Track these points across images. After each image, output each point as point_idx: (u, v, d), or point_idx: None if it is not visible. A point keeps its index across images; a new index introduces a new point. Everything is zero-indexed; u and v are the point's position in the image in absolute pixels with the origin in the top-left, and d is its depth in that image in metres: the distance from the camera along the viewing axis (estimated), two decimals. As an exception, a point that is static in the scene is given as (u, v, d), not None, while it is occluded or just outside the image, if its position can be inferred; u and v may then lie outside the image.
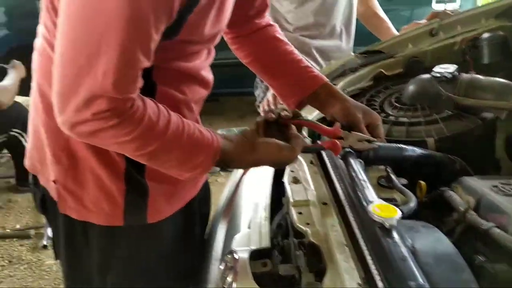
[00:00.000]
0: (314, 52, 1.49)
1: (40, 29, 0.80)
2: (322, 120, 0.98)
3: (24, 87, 2.65)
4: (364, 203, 0.68)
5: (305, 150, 0.80)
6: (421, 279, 0.52)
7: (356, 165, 0.80)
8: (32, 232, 2.31)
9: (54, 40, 0.74)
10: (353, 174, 0.78)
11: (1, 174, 2.90)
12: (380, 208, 0.64)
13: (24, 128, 2.50)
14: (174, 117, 0.69)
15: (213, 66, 0.88)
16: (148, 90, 0.70)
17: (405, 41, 1.34)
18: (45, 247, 2.20)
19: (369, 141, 0.82)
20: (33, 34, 2.68)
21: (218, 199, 1.11)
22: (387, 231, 0.61)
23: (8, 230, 2.35)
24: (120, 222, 0.78)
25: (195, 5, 0.66)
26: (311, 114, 1.06)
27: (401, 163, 0.86)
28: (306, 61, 0.97)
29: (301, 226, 0.71)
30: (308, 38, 1.48)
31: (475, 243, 0.70)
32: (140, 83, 0.64)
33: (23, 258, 2.14)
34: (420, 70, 1.20)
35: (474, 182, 0.79)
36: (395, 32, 1.66)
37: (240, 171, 1.13)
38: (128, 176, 0.77)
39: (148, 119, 0.64)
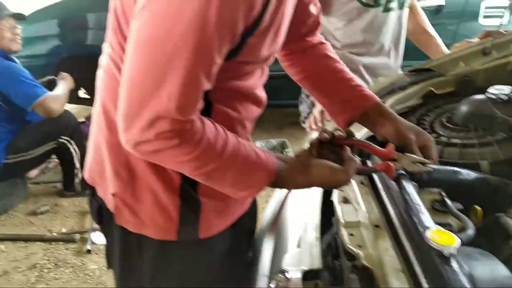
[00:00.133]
0: (362, 69, 1.48)
1: (106, 48, 0.84)
2: (371, 139, 0.98)
3: (71, 96, 2.78)
4: (420, 228, 0.68)
5: (358, 172, 0.80)
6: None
7: (410, 188, 0.79)
8: (77, 236, 2.38)
9: (118, 59, 0.77)
10: (407, 197, 0.77)
11: (48, 179, 3.00)
12: (438, 235, 0.63)
13: (72, 135, 2.61)
14: (231, 137, 0.70)
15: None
16: (205, 109, 0.72)
17: (457, 59, 1.31)
18: (88, 251, 2.26)
19: (422, 164, 0.81)
20: (81, 46, 2.83)
21: (260, 212, 1.12)
22: (446, 259, 0.60)
23: (55, 234, 2.43)
24: (174, 236, 0.80)
25: (256, 28, 0.68)
26: (359, 131, 1.06)
27: (456, 186, 0.85)
28: (358, 80, 0.97)
29: (353, 248, 0.70)
30: (356, 55, 1.48)
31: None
32: (200, 104, 0.66)
33: (68, 261, 2.21)
34: (471, 90, 1.17)
35: (531, 208, 0.77)
36: (445, 49, 1.63)
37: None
38: (183, 192, 0.79)
39: (207, 140, 0.66)
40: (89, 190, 0.93)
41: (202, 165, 0.68)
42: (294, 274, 0.68)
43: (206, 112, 0.74)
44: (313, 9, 0.97)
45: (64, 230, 2.47)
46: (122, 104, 0.65)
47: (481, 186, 0.87)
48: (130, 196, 0.81)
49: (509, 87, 1.04)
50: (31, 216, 2.60)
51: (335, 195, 0.86)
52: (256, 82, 0.85)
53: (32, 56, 3.11)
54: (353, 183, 0.87)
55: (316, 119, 1.30)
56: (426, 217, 0.69)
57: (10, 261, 2.21)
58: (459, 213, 0.75)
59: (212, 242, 0.85)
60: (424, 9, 1.78)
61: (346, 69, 0.99)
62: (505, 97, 1.01)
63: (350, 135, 0.81)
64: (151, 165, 0.77)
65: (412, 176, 0.82)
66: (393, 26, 1.51)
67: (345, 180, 0.75)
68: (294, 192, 1.09)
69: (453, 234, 0.62)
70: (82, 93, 3.67)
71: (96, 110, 0.88)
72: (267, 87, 0.88)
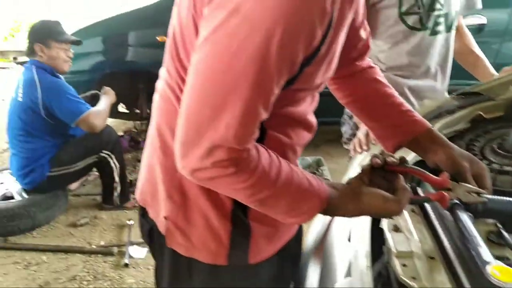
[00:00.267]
0: (407, 91, 1.46)
1: (162, 73, 0.86)
2: (420, 164, 0.96)
3: (111, 111, 2.85)
4: (479, 263, 0.66)
5: (411, 201, 0.78)
6: None
7: (466, 219, 0.77)
8: (115, 249, 2.42)
9: (175, 85, 0.79)
10: (463, 228, 0.75)
11: (88, 192, 3.08)
12: (499, 271, 0.61)
13: (112, 150, 2.68)
14: (285, 165, 0.71)
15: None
16: (259, 135, 0.73)
17: (507, 83, 1.28)
18: (126, 265, 2.30)
19: (477, 194, 0.79)
20: (122, 62, 2.90)
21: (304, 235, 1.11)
22: (509, 298, 0.58)
23: (94, 246, 2.48)
24: (224, 261, 0.81)
25: (314, 58, 0.68)
26: (407, 156, 1.04)
27: (512, 218, 0.82)
28: (408, 105, 0.96)
29: (406, 280, 0.69)
30: (401, 77, 1.46)
31: None
32: (257, 134, 0.67)
33: (106, 274, 2.26)
34: (523, 115, 1.14)
35: None
36: (492, 71, 1.59)
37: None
38: (234, 217, 0.80)
39: (262, 168, 0.67)
40: (140, 210, 0.95)
41: (257, 193, 0.68)
42: (348, 304, 0.68)
43: (260, 138, 0.74)
44: (363, 33, 0.97)
45: (102, 243, 2.52)
46: (180, 132, 0.67)
47: (539, 217, 0.84)
48: (182, 219, 0.82)
49: None
50: (71, 227, 2.67)
51: (385, 223, 0.84)
52: (307, 108, 0.86)
53: (76, 72, 3.22)
54: (404, 211, 0.86)
55: (361, 142, 1.29)
56: (484, 251, 0.67)
57: (51, 272, 2.27)
58: (517, 246, 0.72)
59: (260, 267, 0.85)
60: (465, 27, 1.75)
61: (396, 94, 0.98)
62: (561, 124, 0.98)
63: (403, 161, 0.80)
64: (204, 189, 0.78)
65: (467, 207, 0.80)
66: (440, 49, 1.49)
67: (397, 211, 0.74)
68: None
69: (515, 270, 0.60)
70: (121, 108, 3.77)
71: (151, 132, 0.90)
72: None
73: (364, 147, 1.26)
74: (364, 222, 0.92)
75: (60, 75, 2.62)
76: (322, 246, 1.04)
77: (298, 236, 1.00)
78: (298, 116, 0.83)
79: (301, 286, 0.97)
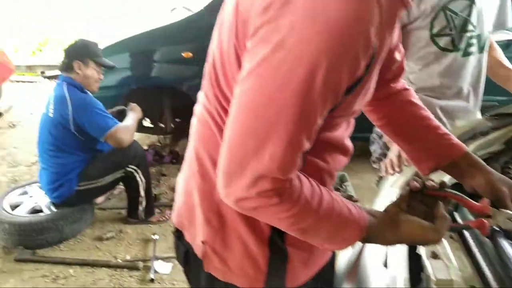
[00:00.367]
0: (439, 111, 1.45)
1: (201, 97, 0.87)
2: (456, 187, 0.95)
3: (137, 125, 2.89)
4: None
5: (450, 229, 0.78)
6: None
7: (507, 246, 0.76)
8: (141, 264, 2.44)
9: (214, 111, 0.81)
10: (504, 256, 0.74)
11: (113, 205, 3.12)
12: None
13: (138, 165, 2.72)
14: (325, 193, 0.71)
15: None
16: None
17: (542, 104, 1.26)
18: (152, 280, 2.31)
19: None
20: (148, 78, 2.94)
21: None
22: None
23: (120, 260, 2.50)
24: (261, 286, 0.81)
25: (356, 87, 0.69)
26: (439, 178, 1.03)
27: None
28: (444, 128, 0.96)
29: (448, 309, 0.68)
30: (433, 98, 1.45)
31: None
32: (300, 163, 0.67)
33: (132, 289, 2.28)
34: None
35: None
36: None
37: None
38: (272, 242, 0.80)
39: (304, 198, 0.68)
40: (176, 233, 0.96)
41: (299, 222, 0.69)
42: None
43: None
44: (398, 55, 0.97)
45: (128, 257, 2.54)
46: (223, 161, 0.68)
47: None
48: (219, 244, 0.83)
49: None
50: (97, 241, 2.70)
51: (423, 249, 0.84)
52: (344, 133, 0.86)
53: (104, 88, 3.28)
54: (442, 236, 0.85)
55: (393, 163, 1.28)
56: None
57: (79, 286, 2.30)
58: None
59: (295, 292, 0.85)
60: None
61: (432, 116, 0.98)
62: None
63: (443, 186, 0.79)
64: (242, 214, 0.78)
65: (508, 234, 0.79)
66: (472, 70, 1.47)
67: (437, 240, 0.74)
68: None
69: None
70: (145, 122, 3.82)
71: (188, 155, 0.91)
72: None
73: (397, 169, 1.26)
74: (400, 247, 0.92)
75: (89, 92, 2.68)
76: (355, 270, 1.03)
77: (332, 260, 0.99)
78: (335, 141, 0.83)
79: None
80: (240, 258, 0.81)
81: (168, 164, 3.70)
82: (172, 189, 3.33)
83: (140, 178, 2.73)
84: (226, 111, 0.78)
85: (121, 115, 2.84)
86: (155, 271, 2.37)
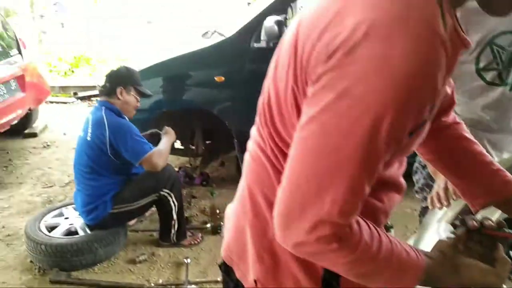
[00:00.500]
0: (487, 144, 1.42)
1: (254, 134, 0.88)
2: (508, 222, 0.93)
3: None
4: None
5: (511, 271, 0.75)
6: None
7: None
8: (173, 288, 2.45)
9: (269, 151, 0.81)
10: None
11: (145, 227, 3.14)
12: None
13: (172, 188, 2.74)
14: (384, 237, 0.71)
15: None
16: None
17: None
18: (185, 305, 2.31)
19: None
20: (179, 101, 2.98)
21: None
22: None
23: (152, 284, 2.51)
24: None
25: (417, 130, 0.68)
26: (493, 215, 1.01)
27: None
28: (497, 164, 0.94)
29: None
30: (479, 130, 1.43)
31: None
32: (360, 208, 0.67)
33: (165, 314, 2.28)
34: None
35: None
36: None
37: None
38: (325, 282, 0.79)
39: (364, 243, 0.67)
40: (223, 267, 0.96)
41: (358, 267, 0.68)
42: None
43: None
44: (448, 89, 0.97)
45: (161, 281, 2.54)
46: (282, 204, 0.68)
47: None
48: (272, 282, 0.82)
49: None
50: (130, 264, 2.72)
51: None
52: (398, 171, 0.85)
53: (136, 110, 3.35)
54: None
55: (440, 197, 1.26)
56: None
57: (113, 310, 2.31)
58: None
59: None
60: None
61: (484, 151, 0.96)
62: None
63: (502, 226, 0.77)
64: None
65: None
66: None
67: (498, 284, 0.72)
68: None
69: None
70: (177, 144, 3.87)
71: (240, 191, 0.92)
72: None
73: (444, 203, 1.23)
74: None
75: (125, 116, 2.74)
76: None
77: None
78: (390, 180, 0.83)
79: None
80: None
81: (198, 186, 3.72)
82: (203, 212, 3.34)
83: (173, 201, 2.75)
84: (281, 151, 0.79)
85: (153, 138, 2.89)
86: (188, 296, 2.37)
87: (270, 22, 2.95)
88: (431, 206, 1.27)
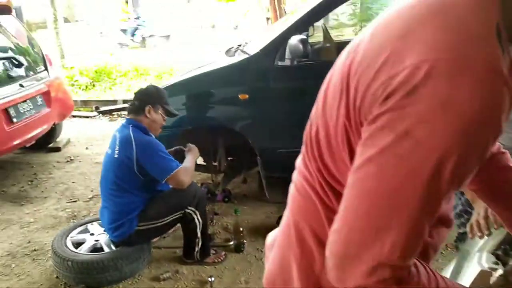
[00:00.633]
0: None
1: (300, 166, 0.87)
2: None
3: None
4: None
5: None
6: None
7: None
8: (199, 307, 2.44)
9: (317, 186, 0.80)
10: None
11: (168, 244, 3.15)
12: None
13: (197, 206, 2.75)
14: (439, 278, 0.70)
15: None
16: None
17: None
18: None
19: None
20: (202, 119, 3.01)
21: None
22: None
23: (177, 303, 2.52)
24: None
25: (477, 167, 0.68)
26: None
27: None
28: None
29: None
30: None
31: None
32: (420, 249, 0.66)
33: (190, 333, 2.27)
34: None
35: None
36: None
37: None
38: None
39: (422, 285, 0.66)
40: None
41: None
42: None
43: None
44: None
45: (185, 300, 2.55)
46: (337, 245, 0.67)
47: None
48: None
49: None
50: (154, 281, 2.73)
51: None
52: (448, 206, 0.85)
53: (160, 128, 3.39)
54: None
55: (481, 226, 1.24)
56: None
57: (139, 328, 2.32)
58: None
59: None
60: None
61: None
62: None
63: None
64: None
65: None
66: None
67: None
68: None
69: None
70: (199, 161, 3.89)
71: (285, 223, 0.91)
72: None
73: (485, 232, 1.21)
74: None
75: (152, 134, 2.77)
76: None
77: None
78: (441, 216, 0.82)
79: None
80: None
81: (220, 203, 3.72)
82: (225, 229, 3.34)
83: (198, 219, 2.76)
84: (330, 186, 0.78)
85: (177, 155, 2.91)
86: (214, 316, 2.36)
87: (294, 40, 2.96)
88: (470, 235, 1.25)
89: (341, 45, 4.86)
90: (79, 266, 2.61)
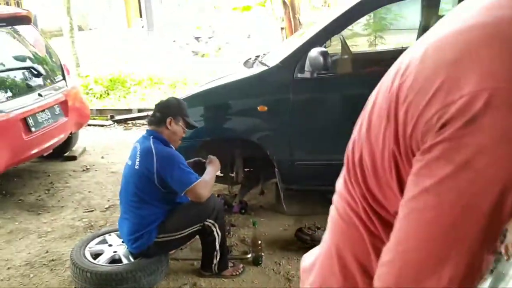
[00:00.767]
0: None
1: (341, 190, 0.85)
2: None
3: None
4: None
5: None
6: None
7: None
8: (218, 322, 2.42)
9: (361, 211, 0.78)
10: None
11: (185, 256, 3.13)
12: None
13: (216, 219, 2.73)
14: None
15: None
16: None
17: None
18: None
19: None
20: (220, 130, 3.02)
21: None
22: None
23: (196, 316, 2.50)
24: None
25: None
26: None
27: None
28: None
29: None
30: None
31: None
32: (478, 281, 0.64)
33: None
34: None
35: None
36: None
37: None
38: None
39: None
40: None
41: None
42: None
43: None
44: None
45: (204, 313, 2.52)
46: (390, 277, 0.65)
47: None
48: None
49: None
50: (173, 294, 2.72)
51: None
52: None
53: (179, 139, 3.40)
54: None
55: (518, 249, 1.21)
56: None
57: None
58: None
59: None
60: None
61: None
62: None
63: None
64: None
65: None
66: None
67: None
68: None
69: None
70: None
71: (326, 249, 0.89)
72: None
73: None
74: None
75: (172, 146, 2.78)
76: None
77: None
78: None
79: None
80: None
81: (236, 214, 3.70)
82: (242, 241, 3.32)
83: (217, 232, 2.74)
84: (375, 213, 0.76)
85: (197, 167, 2.90)
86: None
87: (315, 52, 2.95)
88: (506, 256, 1.22)
89: (359, 57, 4.87)
90: (98, 278, 2.61)
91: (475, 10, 0.65)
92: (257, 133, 3.39)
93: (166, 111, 2.77)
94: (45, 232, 3.51)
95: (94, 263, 2.71)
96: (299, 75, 3.15)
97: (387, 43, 8.14)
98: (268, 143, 3.35)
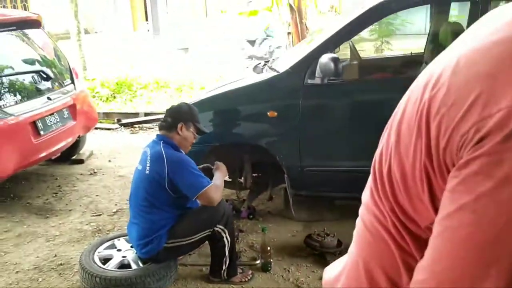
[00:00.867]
0: None
1: (369, 203, 0.84)
2: None
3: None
4: None
5: None
6: None
7: None
8: (227, 328, 2.40)
9: (390, 225, 0.77)
10: None
11: (193, 261, 3.12)
12: None
13: (226, 224, 2.72)
14: None
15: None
16: None
17: None
18: None
19: None
20: (228, 135, 3.02)
21: None
22: None
23: (205, 323, 2.48)
24: None
25: None
26: None
27: None
28: None
29: None
30: None
31: None
32: None
33: None
34: None
35: None
36: None
37: None
38: None
39: None
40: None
41: None
42: None
43: None
44: None
45: (214, 320, 2.51)
46: None
47: None
48: None
49: None
50: (182, 300, 2.70)
51: None
52: None
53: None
54: None
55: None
56: None
57: None
58: None
59: None
60: None
61: None
62: None
63: None
64: None
65: None
66: None
67: None
68: None
69: None
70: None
71: (353, 259, 0.88)
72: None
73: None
74: None
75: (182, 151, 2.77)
76: None
77: None
78: None
79: None
80: None
81: (245, 220, 3.69)
82: (251, 247, 3.31)
83: (226, 238, 2.73)
84: (405, 227, 0.75)
85: (205, 173, 2.89)
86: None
87: (325, 59, 2.95)
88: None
89: (369, 63, 4.86)
90: (107, 283, 2.60)
91: (502, 24, 0.65)
92: (266, 139, 3.38)
93: (178, 116, 2.77)
94: (53, 235, 3.50)
95: (103, 268, 2.70)
96: (309, 81, 3.14)
97: (393, 49, 8.13)
98: (277, 149, 3.34)
